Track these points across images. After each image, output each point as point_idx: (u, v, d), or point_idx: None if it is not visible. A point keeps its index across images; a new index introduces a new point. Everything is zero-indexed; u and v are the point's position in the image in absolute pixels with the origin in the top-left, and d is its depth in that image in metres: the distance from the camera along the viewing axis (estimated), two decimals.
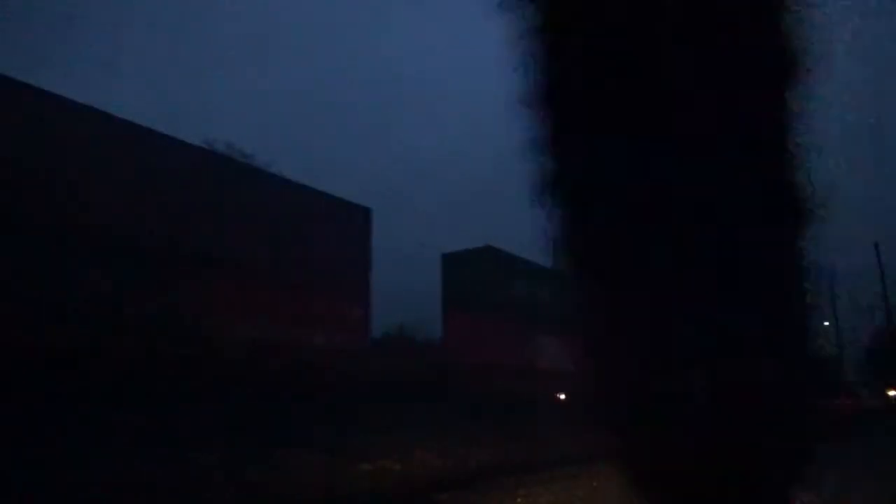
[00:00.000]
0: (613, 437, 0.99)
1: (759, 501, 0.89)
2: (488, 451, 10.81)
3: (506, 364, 18.15)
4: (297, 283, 13.14)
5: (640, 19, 0.79)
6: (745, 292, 0.82)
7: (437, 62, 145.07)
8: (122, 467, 6.39)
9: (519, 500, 7.74)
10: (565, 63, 0.85)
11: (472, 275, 18.29)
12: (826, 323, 42.92)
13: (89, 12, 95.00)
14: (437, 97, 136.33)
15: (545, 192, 0.88)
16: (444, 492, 8.41)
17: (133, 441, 7.18)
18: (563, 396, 21.78)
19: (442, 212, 74.91)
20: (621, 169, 0.80)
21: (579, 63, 0.82)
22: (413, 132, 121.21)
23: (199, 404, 9.04)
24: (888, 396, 39.85)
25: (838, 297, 40.16)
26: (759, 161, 0.89)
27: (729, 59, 0.82)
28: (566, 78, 0.84)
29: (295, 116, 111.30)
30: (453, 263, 19.17)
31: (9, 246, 9.36)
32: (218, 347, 11.06)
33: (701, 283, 0.80)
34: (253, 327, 12.01)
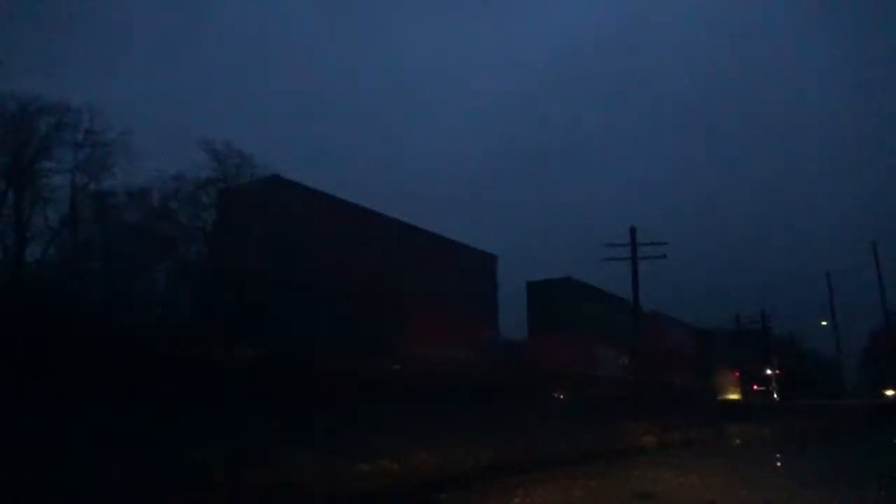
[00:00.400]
0: None
1: None
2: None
3: (575, 372, 22.65)
4: (453, 315, 18.29)
5: None
6: None
7: (439, 62, 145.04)
8: None
9: (517, 500, 7.77)
10: None
11: (553, 300, 23.26)
12: (824, 323, 42.97)
13: (89, 12, 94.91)
14: (437, 96, 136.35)
15: None
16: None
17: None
18: (561, 396, 22.35)
19: (439, 209, 74.91)
20: None
21: None
22: (412, 131, 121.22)
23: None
24: (886, 397, 39.91)
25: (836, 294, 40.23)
26: None
27: None
28: None
29: (295, 116, 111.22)
30: (537, 290, 24.93)
31: (308, 302, 13.77)
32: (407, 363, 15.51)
33: None
34: (428, 348, 16.27)
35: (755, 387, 47.76)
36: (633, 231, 25.20)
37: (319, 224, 15.43)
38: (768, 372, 46.84)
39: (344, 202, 16.74)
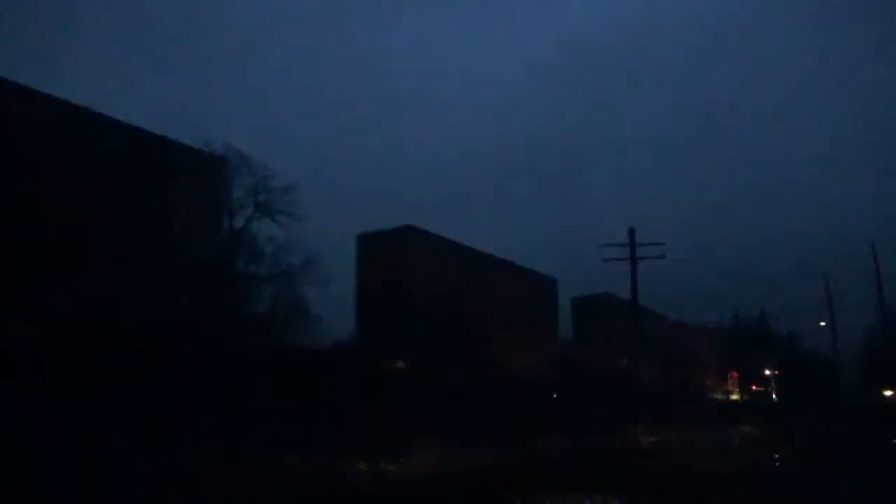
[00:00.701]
0: None
1: None
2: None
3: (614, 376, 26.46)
4: (529, 330, 23.47)
5: None
6: None
7: (441, 61, 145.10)
8: None
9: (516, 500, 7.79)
10: None
11: (594, 313, 27.34)
12: (822, 323, 42.96)
13: (87, 12, 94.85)
14: (436, 96, 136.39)
15: None
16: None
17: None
18: (556, 396, 22.79)
19: (437, 209, 74.94)
20: None
21: None
22: (410, 132, 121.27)
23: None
24: (884, 397, 39.93)
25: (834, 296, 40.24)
26: None
27: None
28: None
29: (294, 115, 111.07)
30: (581, 304, 29.99)
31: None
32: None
33: None
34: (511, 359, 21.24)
35: (754, 387, 47.85)
36: (631, 231, 25.22)
37: (439, 262, 20.70)
38: (767, 372, 46.90)
39: (459, 246, 21.93)
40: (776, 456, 14.26)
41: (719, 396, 43.90)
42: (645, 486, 8.41)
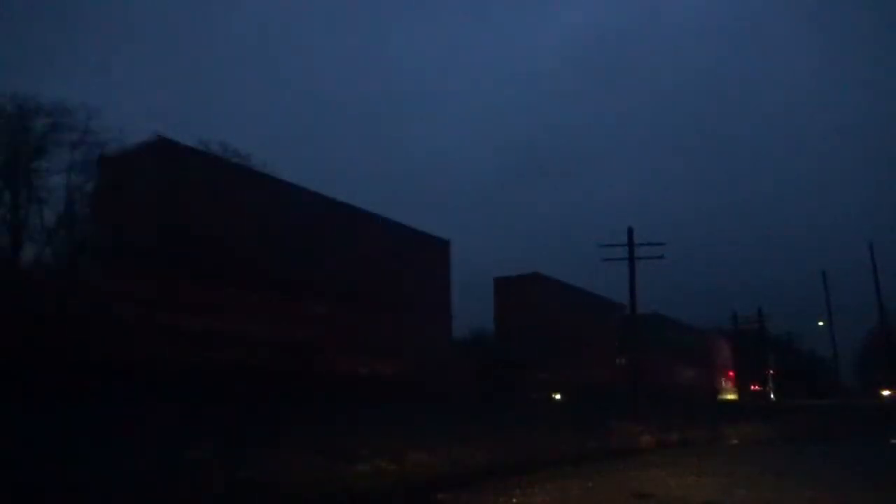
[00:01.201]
0: None
1: None
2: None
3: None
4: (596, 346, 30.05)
5: None
6: None
7: (438, 63, 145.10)
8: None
9: (515, 500, 7.75)
10: None
11: (642, 329, 29.67)
12: (821, 323, 42.98)
13: (86, 12, 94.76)
14: (437, 97, 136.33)
15: None
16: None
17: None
18: (557, 396, 23.02)
19: (438, 211, 74.94)
20: None
21: None
22: (412, 134, 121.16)
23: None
24: (882, 396, 39.93)
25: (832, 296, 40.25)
26: None
27: None
28: None
29: (294, 115, 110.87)
30: (628, 321, 32.60)
31: None
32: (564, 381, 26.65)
33: None
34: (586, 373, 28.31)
35: (753, 387, 47.89)
36: (630, 231, 25.24)
37: (555, 297, 27.94)
38: (765, 372, 46.93)
39: (567, 284, 28.95)
40: (776, 456, 14.24)
41: (731, 397, 44.35)
42: None
